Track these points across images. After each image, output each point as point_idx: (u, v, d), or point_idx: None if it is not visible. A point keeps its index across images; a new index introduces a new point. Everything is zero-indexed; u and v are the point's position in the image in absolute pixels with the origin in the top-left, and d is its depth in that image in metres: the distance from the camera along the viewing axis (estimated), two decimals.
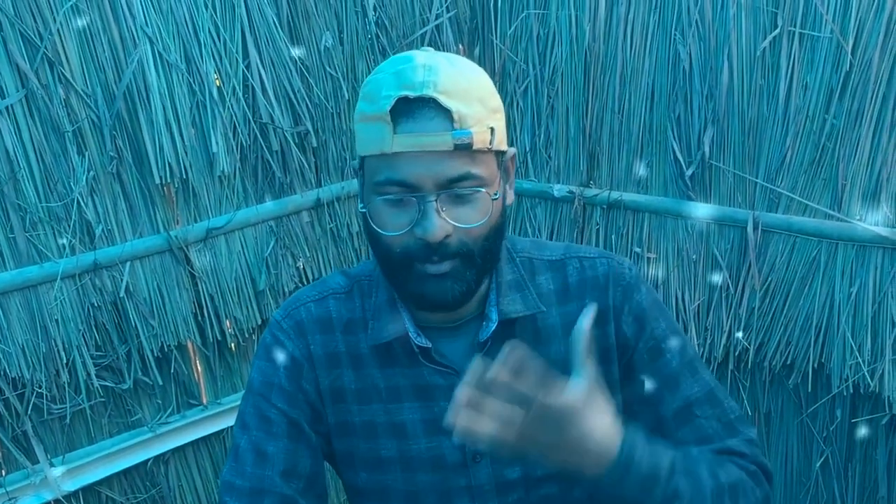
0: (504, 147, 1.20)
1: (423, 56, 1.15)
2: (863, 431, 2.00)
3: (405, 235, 1.14)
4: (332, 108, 2.29)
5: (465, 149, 1.10)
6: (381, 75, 1.15)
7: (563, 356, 1.26)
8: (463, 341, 1.28)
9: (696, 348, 2.16)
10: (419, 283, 1.16)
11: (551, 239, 2.38)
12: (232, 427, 2.32)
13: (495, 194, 1.16)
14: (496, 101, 1.18)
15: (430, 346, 1.25)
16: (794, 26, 1.89)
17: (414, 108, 1.10)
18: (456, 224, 1.12)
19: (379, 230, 1.15)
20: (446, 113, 1.09)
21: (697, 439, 1.28)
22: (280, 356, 1.31)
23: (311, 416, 1.31)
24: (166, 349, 2.18)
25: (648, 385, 1.30)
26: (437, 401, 1.27)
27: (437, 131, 1.09)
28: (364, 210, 1.19)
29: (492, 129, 1.14)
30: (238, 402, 2.28)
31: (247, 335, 2.31)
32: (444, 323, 1.27)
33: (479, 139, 1.11)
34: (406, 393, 1.29)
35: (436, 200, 1.11)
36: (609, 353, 1.29)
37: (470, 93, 1.13)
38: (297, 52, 2.20)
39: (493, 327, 1.24)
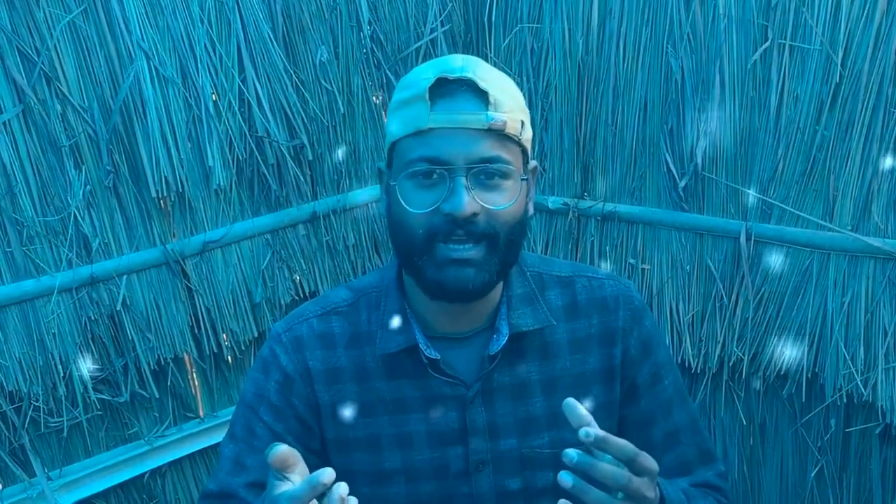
0: (529, 149, 1.23)
1: (461, 55, 1.21)
2: (857, 441, 2.01)
3: (431, 214, 1.14)
4: (327, 121, 2.31)
5: (498, 131, 1.14)
6: (419, 68, 1.21)
7: (567, 371, 1.29)
8: (471, 353, 1.29)
9: (691, 360, 2.17)
10: (439, 268, 1.16)
11: (546, 251, 2.39)
12: None
13: (522, 177, 1.18)
14: (525, 106, 1.23)
15: (440, 357, 1.25)
16: (785, 39, 1.91)
17: (452, 88, 1.14)
18: (484, 204, 1.14)
19: (406, 206, 1.16)
20: (483, 95, 1.14)
21: (678, 464, 1.34)
22: (273, 370, 1.31)
23: (300, 432, 1.31)
24: (163, 362, 2.19)
25: (645, 408, 1.33)
26: (442, 412, 1.28)
27: (472, 111, 1.14)
28: (385, 205, 1.22)
29: (522, 122, 1.18)
30: None
31: (243, 348, 2.31)
32: (453, 334, 1.28)
33: (512, 125, 1.16)
34: (412, 404, 1.29)
35: (465, 177, 1.13)
36: (613, 374, 1.32)
37: (505, 86, 1.19)
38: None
39: (504, 341, 1.25)
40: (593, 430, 1.00)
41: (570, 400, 1.04)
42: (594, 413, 1.28)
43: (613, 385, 1.32)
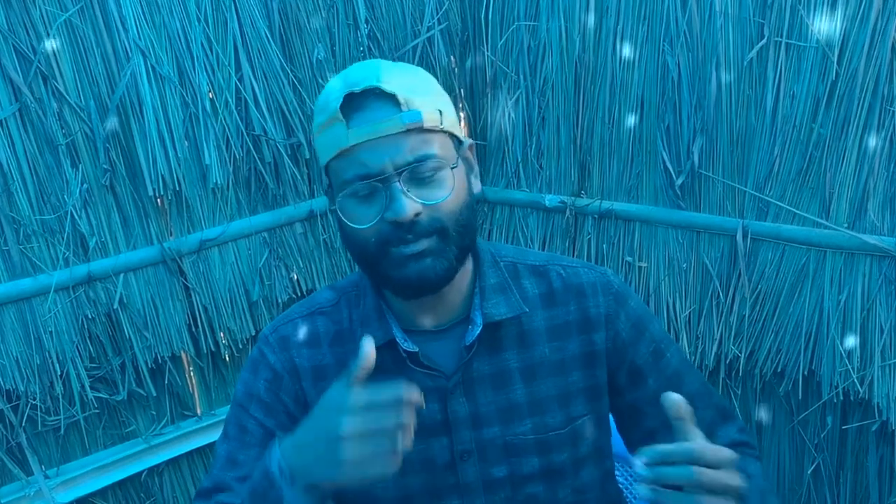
0: (458, 133, 1.24)
1: (364, 62, 1.23)
2: (853, 438, 2.02)
3: (377, 225, 1.16)
4: None
5: (416, 127, 1.15)
6: (328, 86, 1.22)
7: (547, 359, 1.31)
8: (449, 345, 1.30)
9: (688, 356, 2.17)
10: (399, 267, 1.18)
11: (543, 249, 2.39)
12: None
13: (453, 165, 1.19)
14: (441, 90, 1.24)
15: (418, 350, 1.27)
16: (781, 36, 1.91)
17: (361, 101, 1.15)
18: (423, 202, 1.16)
19: (352, 225, 1.18)
20: (391, 98, 1.15)
21: (701, 429, 1.32)
22: (262, 369, 1.34)
23: (290, 427, 1.32)
24: (160, 360, 2.19)
25: (654, 385, 1.34)
26: (426, 403, 1.29)
27: (386, 117, 1.15)
28: (336, 216, 1.23)
29: (440, 111, 1.19)
30: None
31: (241, 346, 2.32)
32: (430, 328, 1.30)
33: (429, 118, 1.16)
34: None
35: (399, 181, 1.14)
36: (594, 359, 1.32)
37: (413, 81, 1.19)
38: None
39: (478, 331, 1.26)
40: (647, 454, 1.02)
41: (669, 394, 1.06)
42: (575, 398, 1.31)
43: (594, 371, 1.33)
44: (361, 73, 1.18)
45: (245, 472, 1.29)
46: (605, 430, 1.37)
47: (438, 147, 1.18)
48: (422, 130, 1.16)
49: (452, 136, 1.23)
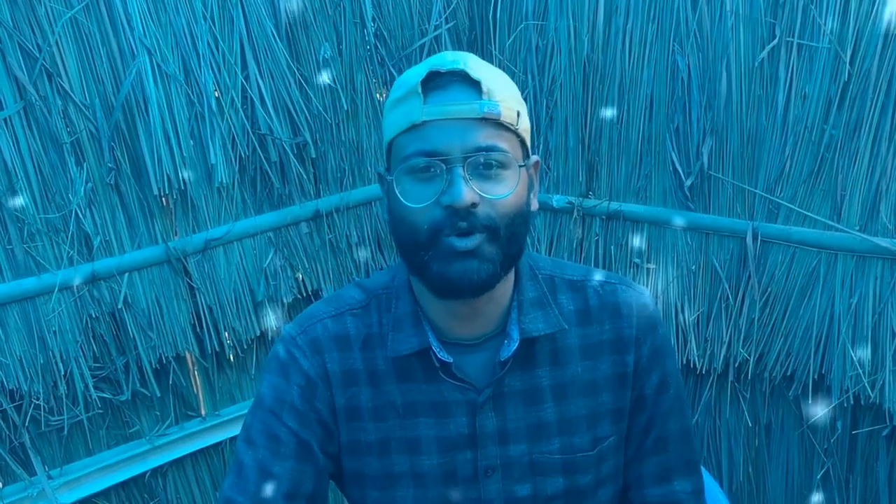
0: (528, 143, 1.21)
1: (452, 52, 1.21)
2: (863, 443, 2.00)
3: (431, 207, 1.12)
4: (330, 119, 2.29)
5: (493, 119, 1.13)
6: (412, 68, 1.19)
7: (578, 377, 1.27)
8: (483, 358, 1.26)
9: (697, 361, 2.15)
10: (444, 262, 1.13)
11: (550, 250, 2.37)
12: (231, 439, 2.32)
13: (520, 164, 1.17)
14: (521, 98, 1.22)
15: (452, 361, 1.23)
16: (793, 36, 1.89)
17: (444, 80, 1.13)
18: (483, 194, 1.12)
19: (405, 202, 1.14)
20: (475, 85, 1.13)
21: (660, 471, 1.33)
22: (294, 374, 1.27)
23: (323, 437, 1.28)
24: (164, 361, 2.18)
25: (646, 418, 1.32)
26: (452, 416, 1.26)
27: (466, 101, 1.12)
28: (386, 204, 1.20)
29: (518, 112, 1.17)
30: (237, 414, 2.31)
31: (245, 346, 2.30)
32: (464, 339, 1.25)
33: (507, 114, 1.14)
34: (422, 408, 1.27)
35: (463, 168, 1.11)
36: (624, 380, 1.29)
37: (498, 77, 1.17)
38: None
39: (515, 346, 1.22)
40: None
41: None
42: (603, 420, 1.28)
43: (624, 392, 1.29)
44: (449, 58, 1.16)
45: (287, 488, 1.24)
46: (622, 451, 1.34)
47: (509, 145, 1.15)
48: (497, 124, 1.14)
49: (523, 143, 1.20)
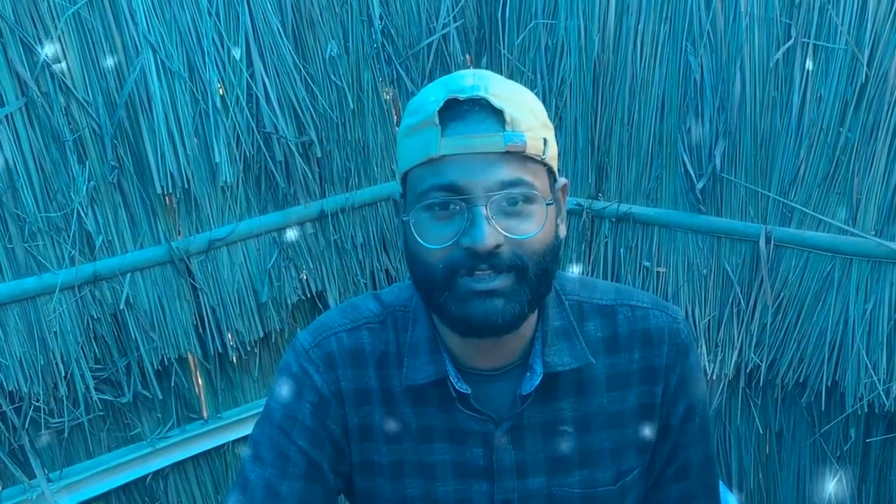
0: (555, 167, 1.12)
1: (471, 71, 1.10)
2: (877, 451, 1.97)
3: (450, 248, 1.04)
4: (336, 117, 2.26)
5: (517, 153, 1.03)
6: (427, 89, 1.10)
7: (604, 409, 1.21)
8: (502, 389, 1.20)
9: (707, 366, 2.12)
10: (462, 303, 1.05)
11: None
12: (234, 442, 2.29)
13: (548, 202, 1.07)
14: (548, 119, 1.12)
15: (470, 392, 1.17)
16: (809, 37, 1.86)
17: (464, 109, 1.03)
18: (507, 234, 1.03)
19: (421, 241, 1.05)
20: (498, 114, 1.03)
21: (680, 497, 1.28)
22: (307, 391, 1.21)
23: (334, 457, 1.23)
24: (166, 362, 2.15)
25: (670, 445, 1.26)
26: (469, 446, 1.20)
27: (487, 132, 1.03)
28: (402, 236, 1.12)
29: (545, 140, 1.07)
30: (240, 417, 2.28)
31: (248, 348, 2.27)
32: (484, 370, 1.19)
33: (532, 145, 1.05)
34: (438, 434, 1.22)
35: (485, 207, 1.02)
36: (652, 411, 1.23)
37: (522, 101, 1.07)
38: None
39: (538, 381, 1.15)
40: None
41: None
42: (628, 452, 1.22)
43: (651, 424, 1.23)
44: (468, 81, 1.06)
45: None
46: (644, 481, 1.29)
47: (535, 178, 1.06)
48: (522, 156, 1.04)
49: (550, 171, 1.10)
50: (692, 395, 1.25)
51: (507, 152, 1.03)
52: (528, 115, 1.06)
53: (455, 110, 1.03)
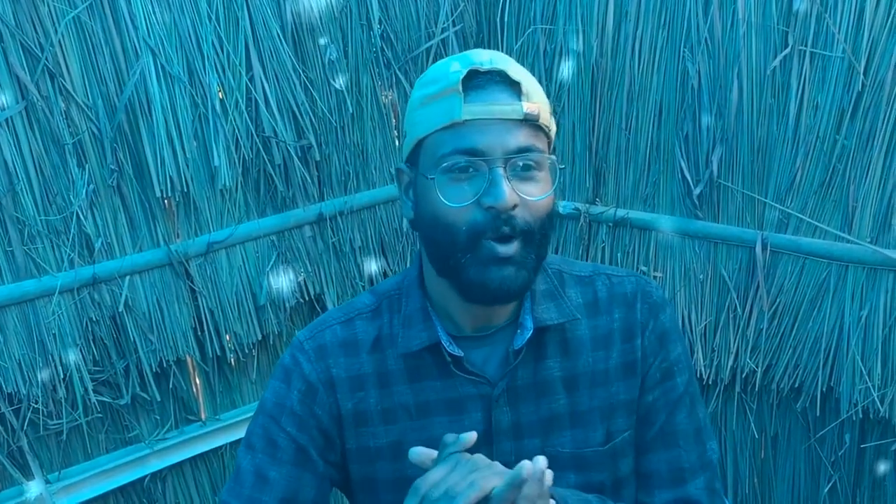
0: (553, 141, 1.23)
1: (484, 49, 1.20)
2: (872, 457, 1.98)
3: (471, 207, 1.12)
4: (335, 121, 2.27)
5: (532, 121, 1.13)
6: (442, 63, 1.18)
7: (590, 368, 1.26)
8: (495, 350, 1.26)
9: (703, 371, 2.13)
10: (482, 267, 1.12)
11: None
12: (232, 444, 2.30)
13: (561, 166, 1.18)
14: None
15: (463, 355, 1.22)
16: (806, 45, 1.87)
17: (484, 80, 1.13)
18: (523, 196, 1.12)
19: (444, 201, 1.12)
20: (515, 86, 1.14)
21: (671, 469, 1.30)
22: (296, 379, 1.27)
23: (322, 444, 1.28)
24: (165, 364, 2.15)
25: (649, 404, 1.30)
26: (467, 412, 1.25)
27: (507, 101, 1.13)
28: (412, 206, 1.21)
29: (550, 115, 1.19)
30: (238, 419, 2.29)
31: (247, 350, 2.28)
32: (476, 332, 1.25)
33: (544, 116, 1.15)
34: (436, 408, 1.26)
35: (504, 168, 1.11)
36: (635, 367, 1.28)
37: (532, 78, 1.18)
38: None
39: (529, 335, 1.22)
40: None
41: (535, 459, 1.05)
42: (617, 412, 1.27)
43: (635, 381, 1.29)
44: (485, 56, 1.16)
45: (281, 494, 1.24)
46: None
47: (544, 146, 1.17)
48: (535, 125, 1.15)
49: (550, 143, 1.21)
50: (670, 353, 1.30)
51: (524, 120, 1.13)
52: (539, 91, 1.17)
53: (476, 80, 1.13)
